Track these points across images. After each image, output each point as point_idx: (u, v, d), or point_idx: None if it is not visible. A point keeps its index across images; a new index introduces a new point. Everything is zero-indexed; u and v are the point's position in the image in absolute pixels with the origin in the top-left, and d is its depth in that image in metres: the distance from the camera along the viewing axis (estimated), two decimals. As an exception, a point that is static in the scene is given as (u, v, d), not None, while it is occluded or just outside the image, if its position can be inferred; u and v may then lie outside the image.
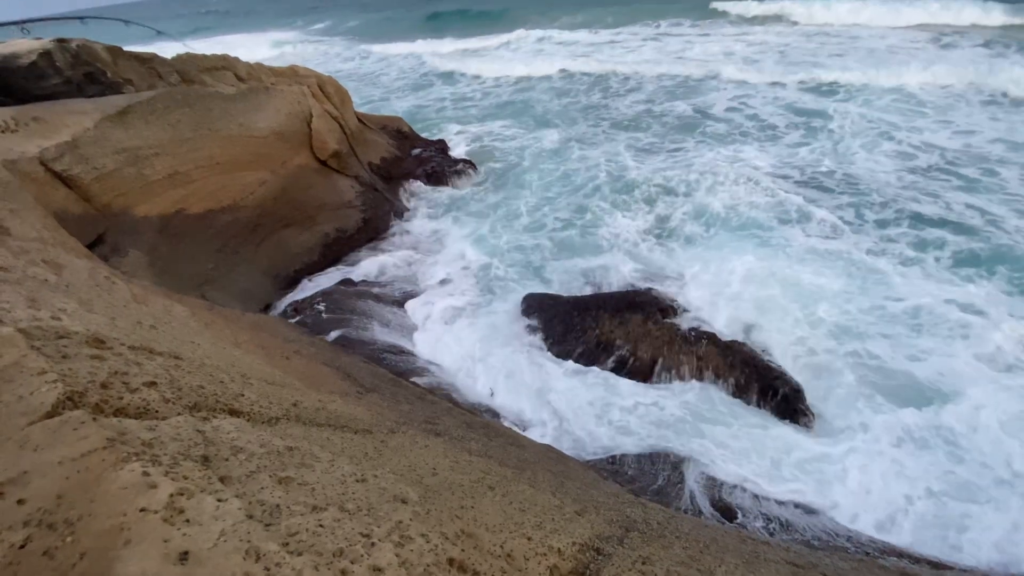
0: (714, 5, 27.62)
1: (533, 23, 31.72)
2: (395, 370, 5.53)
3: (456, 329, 7.04)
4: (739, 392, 5.83)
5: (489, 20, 35.78)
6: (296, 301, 7.21)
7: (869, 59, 17.58)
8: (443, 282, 8.31)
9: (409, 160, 12.39)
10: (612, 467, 4.63)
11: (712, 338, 6.23)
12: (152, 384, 1.29)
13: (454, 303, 7.61)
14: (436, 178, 11.99)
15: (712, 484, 4.44)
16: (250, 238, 7.29)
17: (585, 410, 5.72)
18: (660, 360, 6.16)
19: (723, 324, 6.66)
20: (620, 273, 8.13)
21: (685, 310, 6.99)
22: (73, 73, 6.82)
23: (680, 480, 4.45)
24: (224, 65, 9.06)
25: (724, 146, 12.80)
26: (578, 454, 4.85)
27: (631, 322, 6.57)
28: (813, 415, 5.56)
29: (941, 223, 8.68)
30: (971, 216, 8.82)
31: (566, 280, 8.42)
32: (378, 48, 30.95)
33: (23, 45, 6.76)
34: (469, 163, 12.98)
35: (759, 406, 5.72)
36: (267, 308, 6.99)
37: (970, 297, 6.87)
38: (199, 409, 1.28)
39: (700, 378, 6.02)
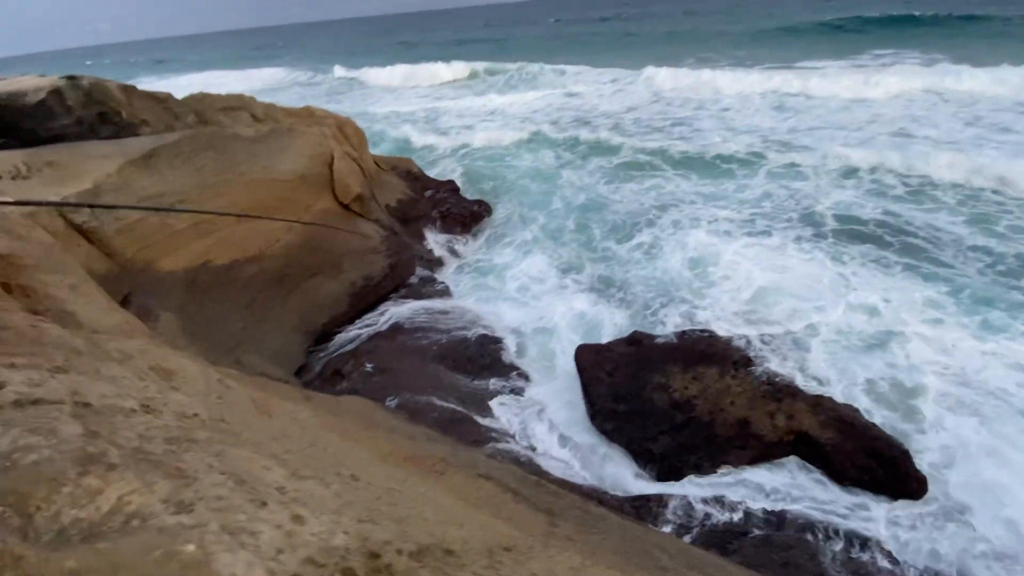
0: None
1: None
2: (466, 440, 4.85)
3: (521, 400, 6.44)
4: (837, 455, 5.31)
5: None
6: (332, 359, 6.49)
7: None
8: (486, 335, 7.70)
9: (423, 202, 11.90)
10: (730, 556, 4.01)
11: (797, 392, 5.74)
12: None
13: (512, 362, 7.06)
14: (453, 219, 11.52)
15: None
16: (278, 291, 6.60)
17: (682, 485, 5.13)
18: (747, 420, 5.62)
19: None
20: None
21: (754, 360, 6.52)
22: (85, 113, 6.19)
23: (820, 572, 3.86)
24: (240, 105, 8.52)
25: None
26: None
27: (706, 377, 6.06)
28: (924, 479, 5.06)
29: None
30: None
31: (609, 314, 8.37)
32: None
33: (30, 82, 6.11)
34: (483, 203, 12.58)
35: (863, 473, 5.20)
36: (301, 370, 6.25)
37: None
38: None
39: (792, 440, 5.49)
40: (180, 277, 5.37)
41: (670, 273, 9.18)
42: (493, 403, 6.46)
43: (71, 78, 6.48)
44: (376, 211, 9.49)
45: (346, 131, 9.64)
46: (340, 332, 7.37)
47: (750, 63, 25.54)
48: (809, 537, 4.57)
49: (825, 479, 5.38)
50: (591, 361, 6.67)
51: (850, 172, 12.32)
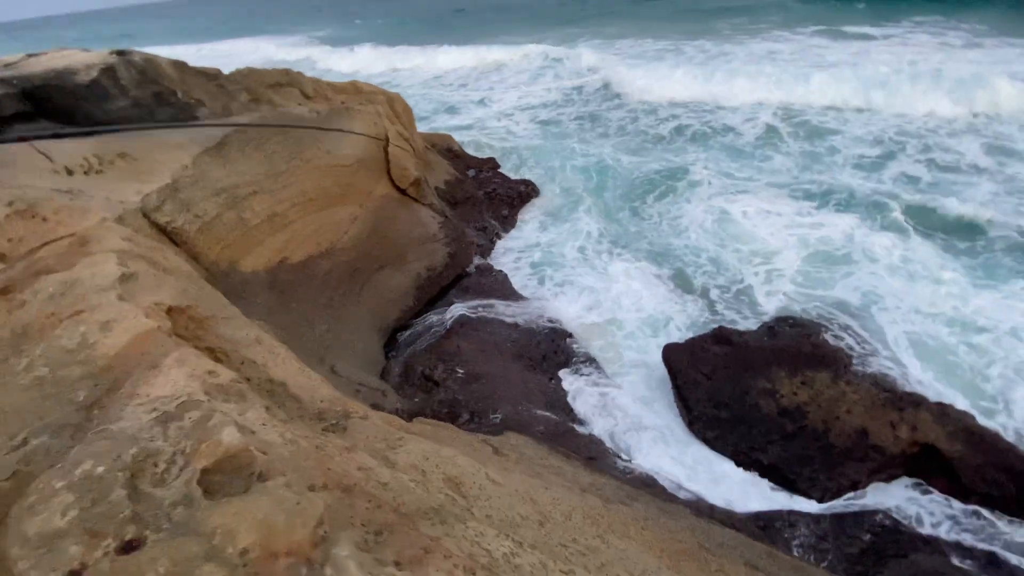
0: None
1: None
2: (580, 455, 4.50)
3: (608, 403, 6.07)
4: (966, 469, 4.96)
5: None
6: (411, 361, 6.10)
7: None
8: (554, 328, 7.30)
9: (468, 182, 11.33)
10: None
11: (921, 401, 5.37)
12: None
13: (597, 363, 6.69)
14: (500, 201, 11.01)
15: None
16: (351, 287, 6.18)
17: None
18: (866, 430, 5.26)
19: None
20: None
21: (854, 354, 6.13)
22: (140, 93, 5.62)
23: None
24: (288, 81, 7.91)
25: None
26: None
27: (816, 382, 5.67)
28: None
29: None
30: None
31: (675, 299, 8.09)
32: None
33: (77, 58, 5.54)
34: (530, 184, 12.02)
35: (992, 488, 4.86)
36: (382, 373, 5.86)
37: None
38: None
39: (916, 453, 5.14)
40: (263, 278, 4.93)
41: (716, 249, 8.97)
42: (580, 408, 6.11)
43: (121, 53, 5.90)
44: (429, 195, 8.97)
45: (396, 108, 9.04)
46: (406, 329, 6.97)
47: (791, 27, 24.42)
48: (956, 562, 4.27)
49: (946, 495, 5.07)
50: (685, 362, 6.28)
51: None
